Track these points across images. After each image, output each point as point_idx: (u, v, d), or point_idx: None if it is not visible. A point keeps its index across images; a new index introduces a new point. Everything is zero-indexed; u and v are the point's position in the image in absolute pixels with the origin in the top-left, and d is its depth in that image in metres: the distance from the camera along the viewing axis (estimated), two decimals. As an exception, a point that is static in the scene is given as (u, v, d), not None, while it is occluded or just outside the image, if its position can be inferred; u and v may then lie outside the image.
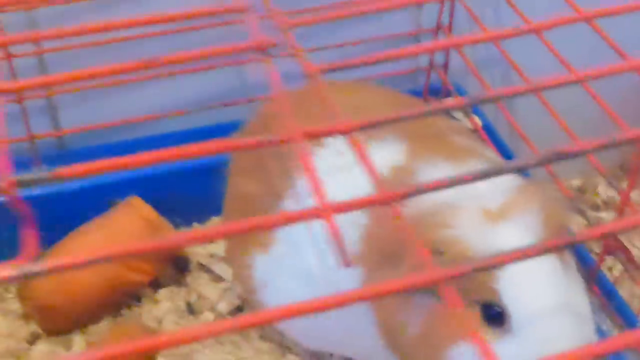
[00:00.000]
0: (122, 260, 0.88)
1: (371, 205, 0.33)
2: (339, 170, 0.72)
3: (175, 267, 0.96)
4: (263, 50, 0.42)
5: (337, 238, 0.31)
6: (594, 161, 0.69)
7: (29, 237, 0.35)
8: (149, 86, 0.96)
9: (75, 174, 0.36)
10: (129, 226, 0.91)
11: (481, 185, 0.51)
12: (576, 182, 1.16)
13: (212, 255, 0.97)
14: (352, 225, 0.68)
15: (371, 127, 0.38)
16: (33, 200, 0.91)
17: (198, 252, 0.98)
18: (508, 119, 0.90)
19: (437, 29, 0.99)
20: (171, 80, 0.94)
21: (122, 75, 0.88)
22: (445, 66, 1.02)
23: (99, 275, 0.89)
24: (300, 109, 0.77)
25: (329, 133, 0.37)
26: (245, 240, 0.79)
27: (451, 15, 0.98)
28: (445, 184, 0.34)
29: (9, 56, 0.87)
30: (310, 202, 0.68)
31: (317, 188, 0.33)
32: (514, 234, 0.61)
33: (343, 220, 0.69)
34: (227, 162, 0.96)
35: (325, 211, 0.32)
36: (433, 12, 0.99)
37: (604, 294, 0.74)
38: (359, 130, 0.38)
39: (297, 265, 0.74)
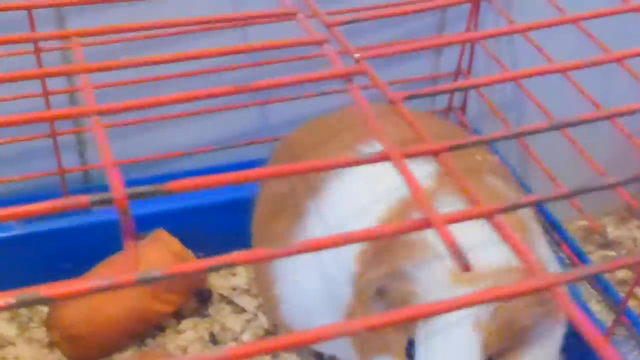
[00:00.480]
0: (149, 291, 0.90)
1: (476, 218, 0.35)
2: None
3: (198, 298, 0.97)
4: (347, 78, 0.44)
5: (452, 246, 0.33)
6: (626, 196, 0.72)
7: (129, 248, 0.37)
8: (172, 124, 0.98)
9: (183, 188, 0.37)
10: (157, 259, 0.92)
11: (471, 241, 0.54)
12: (583, 223, 1.19)
13: (234, 288, 0.99)
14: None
15: (459, 148, 0.40)
16: (62, 233, 0.94)
17: (220, 285, 0.99)
18: (532, 156, 0.92)
19: (457, 73, 1.03)
20: (195, 118, 0.97)
21: (149, 112, 0.92)
22: (463, 108, 1.05)
23: (125, 305, 0.90)
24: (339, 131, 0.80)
25: (424, 153, 0.39)
26: (267, 242, 0.82)
27: (471, 59, 1.01)
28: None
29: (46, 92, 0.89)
30: (332, 219, 0.71)
31: (424, 201, 0.35)
32: None
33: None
34: (249, 197, 0.99)
35: (437, 222, 0.34)
36: (453, 57, 1.03)
37: (632, 324, 0.76)
38: (448, 151, 0.40)
39: (315, 263, 0.76)
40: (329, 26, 0.52)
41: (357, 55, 0.48)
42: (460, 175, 0.38)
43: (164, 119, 0.95)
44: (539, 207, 0.95)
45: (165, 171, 1.01)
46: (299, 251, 0.35)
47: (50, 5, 0.83)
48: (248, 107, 0.98)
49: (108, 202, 0.36)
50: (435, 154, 0.40)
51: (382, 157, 0.39)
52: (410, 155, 0.39)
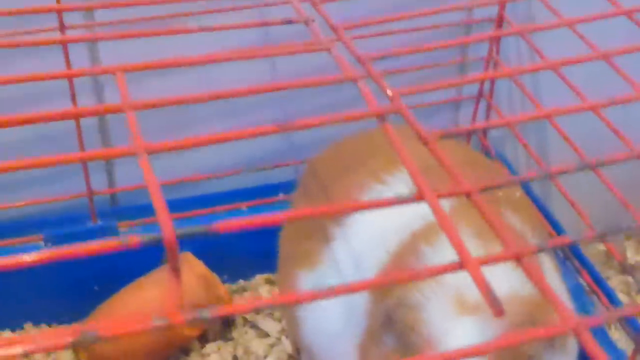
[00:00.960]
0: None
1: (507, 259, 0.36)
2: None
3: (223, 322, 0.98)
4: (383, 117, 0.45)
5: (486, 290, 0.34)
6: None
7: (176, 286, 0.38)
8: (196, 150, 1.00)
9: (230, 228, 0.39)
10: (184, 281, 0.93)
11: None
12: (602, 247, 1.19)
13: (258, 312, 1.00)
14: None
15: (491, 188, 0.41)
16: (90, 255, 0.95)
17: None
18: (560, 190, 0.93)
19: (479, 96, 1.04)
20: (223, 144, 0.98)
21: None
22: (485, 130, 1.06)
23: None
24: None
25: (457, 194, 0.40)
26: (292, 260, 0.83)
27: (492, 82, 1.02)
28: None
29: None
30: (356, 244, 0.73)
31: (458, 243, 0.36)
32: (471, 332, 0.62)
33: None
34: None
35: (471, 264, 0.35)
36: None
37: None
38: (481, 192, 0.41)
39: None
40: (362, 61, 0.53)
41: (390, 93, 0.49)
42: (493, 216, 0.39)
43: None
44: (559, 232, 0.96)
45: (193, 193, 1.02)
46: (337, 293, 0.36)
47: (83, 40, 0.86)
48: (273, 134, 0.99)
49: (158, 242, 0.37)
50: (467, 194, 0.41)
51: (417, 198, 0.40)
52: (444, 197, 0.40)
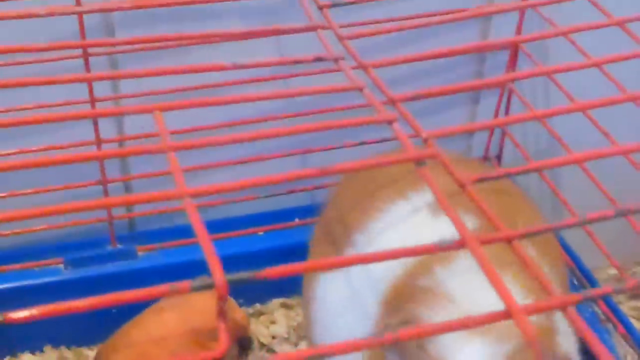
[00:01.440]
0: (195, 338, 0.92)
1: (552, 309, 0.37)
2: None
3: (240, 346, 0.99)
4: (420, 162, 0.46)
5: (532, 339, 0.35)
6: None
7: (223, 330, 0.39)
8: (217, 172, 1.01)
9: (278, 274, 0.40)
10: (202, 305, 0.94)
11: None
12: (612, 272, 1.20)
13: (274, 337, 1.01)
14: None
15: (532, 235, 0.42)
16: (109, 278, 0.96)
17: (260, 333, 1.01)
18: (568, 208, 0.94)
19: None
20: (240, 166, 0.99)
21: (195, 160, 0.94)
22: (499, 157, 1.07)
23: (171, 351, 0.92)
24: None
25: (499, 240, 0.41)
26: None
27: (507, 108, 1.03)
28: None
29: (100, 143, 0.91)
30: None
31: (504, 291, 0.37)
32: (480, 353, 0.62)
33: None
34: (288, 245, 1.01)
35: (518, 313, 0.36)
36: (490, 105, 1.05)
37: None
38: (520, 238, 0.42)
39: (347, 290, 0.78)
40: (394, 102, 0.54)
41: (425, 135, 0.50)
42: (534, 263, 0.40)
43: (216, 166, 0.97)
44: (574, 259, 0.97)
45: (210, 217, 1.03)
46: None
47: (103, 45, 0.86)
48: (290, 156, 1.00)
49: (209, 287, 0.38)
50: (508, 241, 0.42)
51: (459, 245, 0.41)
52: (486, 243, 0.41)
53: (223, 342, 0.37)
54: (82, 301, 0.38)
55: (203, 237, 0.39)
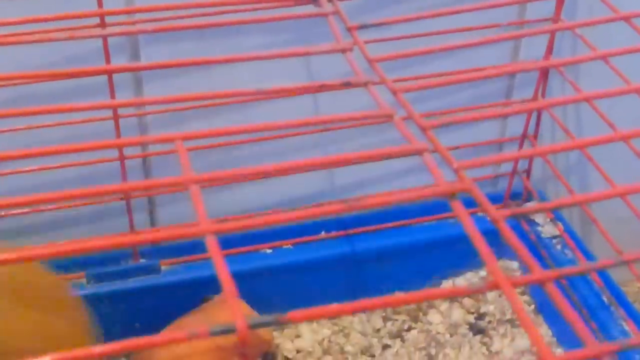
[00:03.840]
0: (220, 355, 0.91)
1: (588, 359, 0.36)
2: None
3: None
4: (453, 195, 0.45)
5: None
6: None
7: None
8: (241, 187, 1.00)
9: (304, 318, 0.39)
10: (226, 321, 0.93)
11: None
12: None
13: (298, 351, 1.00)
14: None
15: (563, 278, 0.41)
16: (132, 293, 0.95)
17: (285, 347, 1.00)
18: (596, 224, 0.92)
19: (523, 137, 1.03)
20: (263, 181, 0.98)
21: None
22: (528, 172, 1.05)
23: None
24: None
25: (530, 282, 0.40)
26: None
27: (537, 125, 1.01)
28: None
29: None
30: None
31: (537, 337, 0.36)
32: None
33: None
34: (313, 259, 1.00)
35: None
36: (519, 121, 1.03)
37: None
38: (555, 279, 0.41)
39: None
40: (425, 129, 0.53)
41: (456, 166, 0.49)
42: (569, 309, 0.39)
43: (238, 181, 0.97)
44: (601, 275, 0.95)
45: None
46: None
47: (128, 70, 0.86)
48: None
49: (230, 332, 0.37)
50: (541, 283, 0.40)
51: (491, 287, 0.40)
52: (518, 285, 0.39)
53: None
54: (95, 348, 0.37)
55: (226, 281, 0.38)
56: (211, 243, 0.42)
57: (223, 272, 0.39)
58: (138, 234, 0.43)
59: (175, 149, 0.48)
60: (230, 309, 0.91)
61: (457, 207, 0.44)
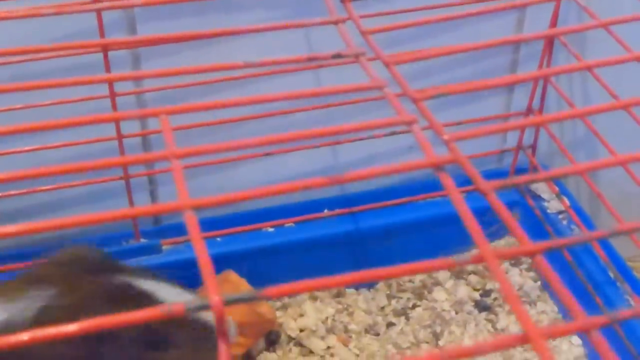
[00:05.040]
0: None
1: (574, 332, 0.35)
2: None
3: (267, 340, 0.98)
4: (440, 167, 0.44)
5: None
6: None
7: (225, 351, 0.37)
8: (244, 164, 0.99)
9: (281, 293, 0.38)
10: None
11: None
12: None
13: (302, 329, 0.99)
14: None
15: (557, 248, 0.40)
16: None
17: (289, 326, 0.99)
18: (601, 199, 0.91)
19: (528, 112, 1.02)
20: (268, 158, 0.97)
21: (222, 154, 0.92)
22: (534, 147, 1.04)
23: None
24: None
25: (518, 254, 0.39)
26: None
27: (542, 99, 1.00)
28: None
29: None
30: None
31: (522, 313, 0.35)
32: None
33: None
34: (316, 237, 0.99)
35: (536, 336, 0.34)
36: (524, 96, 1.02)
37: None
38: (543, 252, 0.40)
39: None
40: (416, 101, 0.51)
41: (446, 137, 0.47)
42: (556, 280, 0.38)
43: (238, 159, 0.96)
44: (607, 250, 0.93)
45: (240, 208, 1.01)
46: None
47: (123, 45, 0.85)
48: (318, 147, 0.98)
49: (205, 308, 0.36)
50: (531, 255, 0.39)
51: (476, 260, 0.39)
52: (505, 258, 0.38)
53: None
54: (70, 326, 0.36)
55: (202, 255, 0.37)
56: (189, 218, 0.41)
57: (199, 246, 0.38)
58: (116, 211, 0.42)
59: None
60: (232, 287, 0.91)
61: (445, 179, 0.43)
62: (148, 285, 0.73)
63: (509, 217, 0.42)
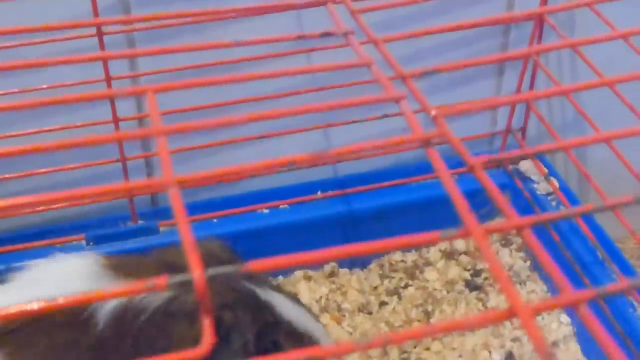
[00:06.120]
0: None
1: (562, 307, 0.36)
2: None
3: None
4: (428, 143, 0.45)
5: (538, 339, 0.34)
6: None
7: (208, 327, 0.37)
8: (237, 146, 1.00)
9: (263, 268, 0.38)
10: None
11: None
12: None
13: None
14: None
15: (543, 223, 0.41)
16: (130, 254, 0.96)
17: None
18: (591, 183, 0.93)
19: (518, 94, 1.03)
20: (263, 140, 0.98)
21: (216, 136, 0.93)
22: (523, 130, 1.05)
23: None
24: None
25: (506, 229, 0.40)
26: None
27: (532, 83, 1.01)
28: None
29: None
30: None
31: (509, 288, 0.36)
32: None
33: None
34: (306, 219, 1.00)
35: (524, 311, 0.35)
36: (513, 80, 1.03)
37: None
38: (530, 226, 0.41)
39: None
40: (404, 78, 0.53)
41: (434, 113, 0.49)
42: (543, 253, 0.39)
43: (231, 142, 0.97)
44: (595, 231, 0.94)
45: (233, 191, 1.02)
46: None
47: (117, 23, 0.86)
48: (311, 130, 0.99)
49: (187, 284, 0.37)
50: (518, 229, 0.41)
51: (464, 234, 0.40)
52: (492, 232, 0.40)
53: (207, 339, 0.36)
54: (40, 303, 0.36)
55: (184, 230, 0.38)
56: (174, 194, 0.41)
57: (181, 218, 0.39)
58: (104, 186, 0.42)
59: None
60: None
61: (432, 154, 0.45)
62: (269, 296, 0.74)
63: (497, 193, 0.43)
